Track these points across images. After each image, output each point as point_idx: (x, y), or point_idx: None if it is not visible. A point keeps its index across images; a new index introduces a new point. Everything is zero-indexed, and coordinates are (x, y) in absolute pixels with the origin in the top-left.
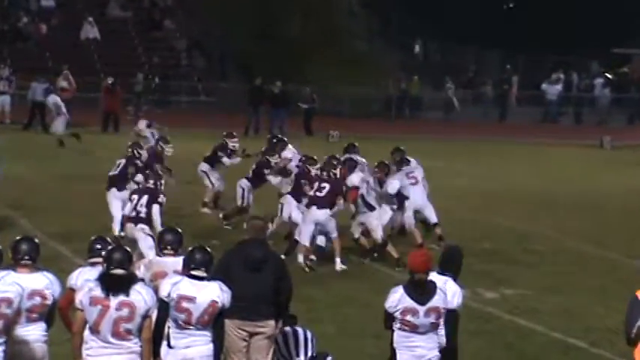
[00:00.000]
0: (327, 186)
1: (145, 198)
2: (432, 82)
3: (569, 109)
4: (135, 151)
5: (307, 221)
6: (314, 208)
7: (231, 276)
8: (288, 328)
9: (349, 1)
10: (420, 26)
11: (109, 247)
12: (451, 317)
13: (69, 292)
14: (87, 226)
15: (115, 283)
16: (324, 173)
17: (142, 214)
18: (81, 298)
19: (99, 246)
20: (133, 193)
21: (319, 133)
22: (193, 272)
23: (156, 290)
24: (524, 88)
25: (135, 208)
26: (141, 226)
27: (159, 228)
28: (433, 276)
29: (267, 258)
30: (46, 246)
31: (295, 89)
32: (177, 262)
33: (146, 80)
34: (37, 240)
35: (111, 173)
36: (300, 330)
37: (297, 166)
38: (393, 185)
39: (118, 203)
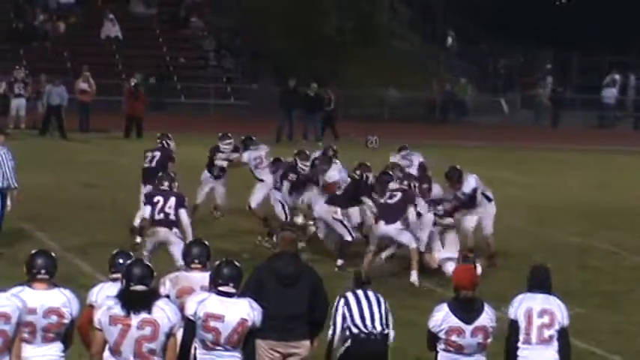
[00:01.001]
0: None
1: (173, 200)
2: (479, 83)
3: (626, 114)
4: (164, 142)
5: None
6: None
7: (263, 293)
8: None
9: None
10: (467, 25)
11: (129, 262)
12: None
13: (89, 310)
14: (108, 239)
15: (135, 300)
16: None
17: (172, 217)
18: (100, 317)
19: (121, 260)
20: (153, 195)
21: (354, 138)
22: (221, 288)
23: (182, 308)
24: (579, 90)
25: (163, 210)
26: (175, 230)
27: (190, 236)
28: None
29: (301, 272)
30: (64, 260)
31: (332, 92)
32: (205, 277)
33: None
34: (54, 254)
35: (145, 166)
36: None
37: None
38: (469, 184)
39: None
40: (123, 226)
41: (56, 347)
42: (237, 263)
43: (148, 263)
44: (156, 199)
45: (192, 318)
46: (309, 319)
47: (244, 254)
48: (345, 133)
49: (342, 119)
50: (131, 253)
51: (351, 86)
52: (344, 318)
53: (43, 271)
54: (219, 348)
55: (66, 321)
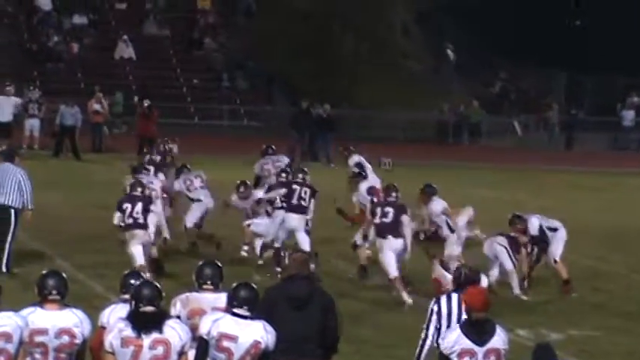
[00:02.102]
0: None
1: (140, 206)
2: (493, 106)
3: None
4: (165, 146)
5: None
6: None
7: (275, 315)
8: None
9: (403, 19)
10: (480, 47)
11: (138, 283)
12: None
13: (100, 331)
14: (121, 260)
15: (145, 321)
16: None
17: (140, 221)
18: (111, 340)
19: (132, 281)
20: (122, 201)
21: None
22: (236, 310)
23: (192, 329)
24: (593, 112)
25: (131, 215)
26: (147, 231)
27: (166, 232)
28: None
29: (313, 295)
30: (77, 281)
31: (346, 113)
32: (217, 298)
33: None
34: (65, 274)
35: None
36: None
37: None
38: (533, 225)
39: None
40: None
41: None
42: (254, 286)
43: (156, 284)
44: (124, 205)
45: (205, 337)
46: (321, 341)
47: (256, 276)
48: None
49: (355, 140)
50: (142, 274)
51: (365, 107)
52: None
53: (54, 292)
54: None
55: (78, 341)
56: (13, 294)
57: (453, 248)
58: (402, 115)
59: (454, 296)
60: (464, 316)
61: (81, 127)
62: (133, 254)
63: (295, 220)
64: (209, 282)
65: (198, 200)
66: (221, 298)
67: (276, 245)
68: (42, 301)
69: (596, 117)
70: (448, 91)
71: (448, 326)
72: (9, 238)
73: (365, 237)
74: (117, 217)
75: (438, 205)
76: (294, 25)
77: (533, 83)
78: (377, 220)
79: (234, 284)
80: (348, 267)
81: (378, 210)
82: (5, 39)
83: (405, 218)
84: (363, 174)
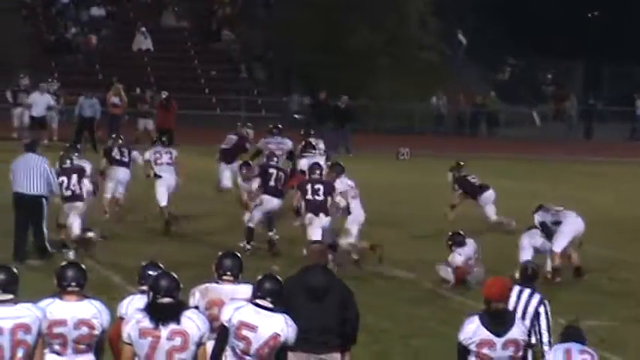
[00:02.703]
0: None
1: (75, 177)
2: (510, 95)
3: None
4: (246, 131)
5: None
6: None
7: (293, 305)
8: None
9: (419, 9)
10: (497, 36)
11: (155, 274)
12: None
13: (119, 322)
14: (139, 251)
15: (163, 312)
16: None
17: (77, 192)
18: (129, 331)
19: (150, 272)
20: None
21: (388, 152)
22: (259, 301)
23: (211, 319)
24: (611, 102)
25: (69, 188)
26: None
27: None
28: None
29: (331, 285)
30: (95, 272)
31: (364, 104)
32: (236, 289)
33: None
34: (84, 266)
35: (223, 146)
36: None
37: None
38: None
39: (227, 173)
40: (154, 238)
41: (88, 359)
42: (279, 278)
43: (174, 275)
44: (60, 179)
45: (226, 324)
46: (340, 331)
47: (274, 266)
48: (377, 145)
49: (372, 132)
50: (160, 265)
51: (382, 98)
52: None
53: (73, 283)
54: (248, 358)
55: (97, 332)
56: (31, 285)
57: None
58: (418, 105)
59: (525, 291)
60: (529, 312)
61: (99, 118)
62: (71, 225)
63: (273, 203)
64: (229, 273)
65: (159, 177)
66: (240, 290)
67: (250, 225)
68: (61, 292)
69: (615, 107)
70: (465, 82)
71: None
72: (44, 226)
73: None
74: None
75: (341, 184)
76: (312, 17)
77: (551, 73)
78: (309, 197)
79: (260, 276)
80: (370, 259)
81: (309, 187)
82: (24, 31)
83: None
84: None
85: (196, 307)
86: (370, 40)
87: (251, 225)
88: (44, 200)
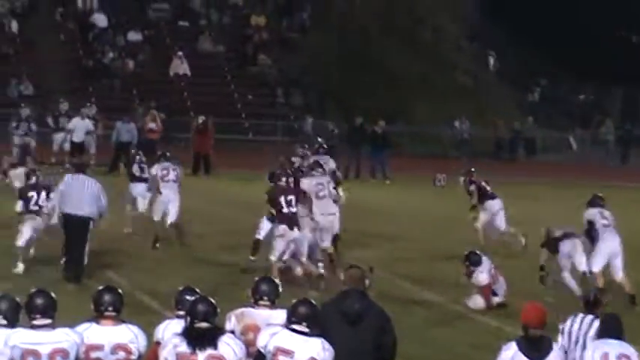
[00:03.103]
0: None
1: (43, 194)
2: (547, 120)
3: None
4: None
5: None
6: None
7: (329, 330)
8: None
9: (456, 34)
10: (534, 60)
11: (193, 299)
12: None
13: (155, 347)
14: (176, 276)
15: (201, 337)
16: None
17: (44, 209)
18: (166, 355)
19: (187, 297)
20: (27, 190)
21: (423, 177)
22: (294, 326)
23: (246, 344)
24: None
25: (37, 203)
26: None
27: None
28: (614, 343)
29: (367, 310)
30: (132, 297)
31: (401, 129)
32: (272, 315)
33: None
34: (121, 290)
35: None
36: None
37: None
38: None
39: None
40: (191, 263)
41: None
42: (313, 302)
43: (211, 300)
44: (29, 193)
45: (262, 350)
46: (376, 357)
47: (312, 291)
48: (414, 170)
49: (408, 156)
50: (197, 290)
51: (418, 123)
52: None
53: (110, 308)
54: None
55: (133, 357)
56: (69, 309)
57: None
58: (456, 130)
59: (587, 318)
60: (590, 337)
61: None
62: (22, 233)
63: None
64: (265, 298)
65: (160, 193)
66: (276, 315)
67: (258, 237)
68: (98, 316)
69: None
70: (503, 107)
71: (575, 345)
72: (86, 248)
73: None
74: (20, 205)
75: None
76: (348, 41)
77: (589, 98)
78: (285, 210)
79: (294, 300)
80: (402, 283)
81: (282, 199)
82: (61, 56)
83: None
84: None
85: (232, 332)
86: (407, 63)
87: (258, 237)
88: (91, 222)
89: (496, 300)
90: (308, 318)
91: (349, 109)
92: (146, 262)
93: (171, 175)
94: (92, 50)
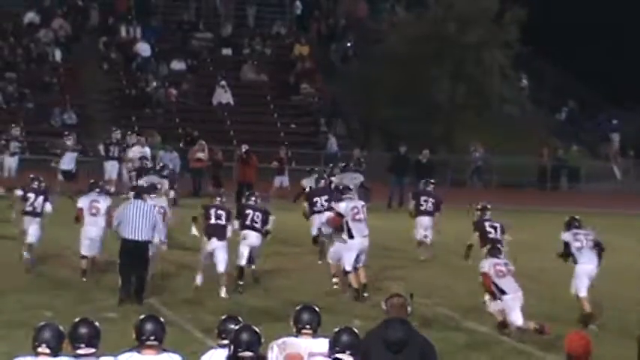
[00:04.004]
0: None
1: (41, 198)
2: (592, 150)
3: None
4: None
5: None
6: None
7: (372, 358)
8: None
9: (500, 63)
10: (578, 89)
11: (237, 328)
12: None
13: None
14: (218, 305)
15: None
16: None
17: (38, 210)
18: None
19: (231, 326)
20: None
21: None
22: (338, 356)
23: None
24: None
25: (32, 205)
26: (38, 219)
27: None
28: None
29: (410, 339)
30: (175, 326)
31: (444, 158)
32: (314, 344)
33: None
34: (162, 319)
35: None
36: None
37: None
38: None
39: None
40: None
41: None
42: (355, 330)
43: (256, 329)
44: (29, 195)
45: None
46: None
47: (356, 320)
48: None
49: (450, 186)
50: (240, 319)
51: (462, 152)
52: None
53: (152, 337)
54: None
55: None
56: (111, 339)
57: None
58: (499, 159)
59: None
60: None
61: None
62: (27, 232)
63: (253, 237)
64: (307, 327)
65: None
66: (319, 344)
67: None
68: (139, 345)
69: None
70: (546, 135)
71: None
72: (147, 272)
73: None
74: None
75: None
76: (391, 70)
77: (633, 127)
78: (212, 221)
79: (336, 329)
80: (443, 310)
81: (212, 212)
82: (104, 85)
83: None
84: None
85: None
86: (450, 92)
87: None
88: (150, 246)
89: (509, 313)
90: (351, 346)
91: (392, 137)
92: (187, 290)
93: (361, 214)
94: (135, 79)
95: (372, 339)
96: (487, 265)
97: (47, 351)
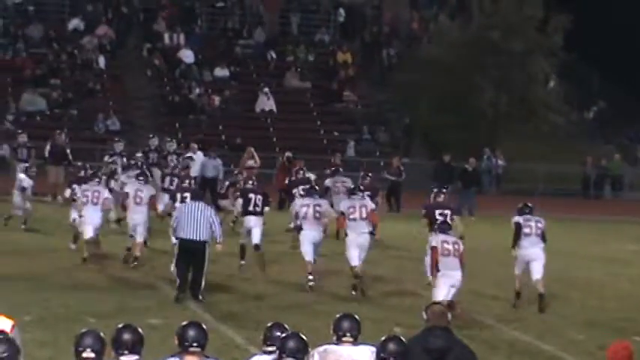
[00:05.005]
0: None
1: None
2: (635, 158)
3: None
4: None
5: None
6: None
7: None
8: None
9: (545, 71)
10: (625, 99)
11: (286, 334)
12: None
13: None
14: (259, 311)
15: None
16: None
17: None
18: None
19: (277, 333)
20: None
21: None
22: None
23: None
24: None
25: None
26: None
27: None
28: None
29: (451, 347)
30: (218, 332)
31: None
32: (355, 351)
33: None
34: (205, 326)
35: None
36: None
37: None
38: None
39: None
40: (277, 297)
41: None
42: (402, 339)
43: (303, 337)
44: (73, 185)
45: None
46: None
47: (396, 328)
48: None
49: (495, 194)
50: (286, 326)
51: (506, 160)
52: None
53: (194, 344)
54: None
55: None
56: (153, 345)
57: None
58: (543, 167)
59: None
60: None
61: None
62: (82, 227)
63: (252, 221)
64: (348, 334)
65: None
66: (359, 351)
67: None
68: (182, 352)
69: None
70: (590, 144)
71: None
72: (205, 270)
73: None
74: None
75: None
76: (434, 78)
77: None
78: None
79: (383, 337)
80: (485, 319)
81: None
82: (148, 91)
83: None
84: None
85: None
86: (494, 100)
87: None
88: (207, 246)
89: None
90: (398, 354)
91: (435, 145)
92: (230, 295)
93: (310, 211)
94: (179, 86)
95: (413, 347)
96: (435, 240)
97: (92, 355)
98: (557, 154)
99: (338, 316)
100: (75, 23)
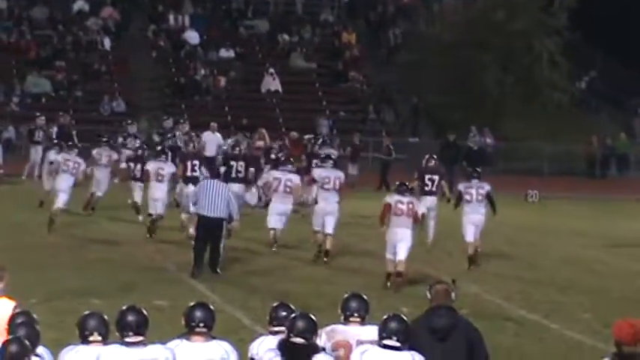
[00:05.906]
0: None
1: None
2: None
3: None
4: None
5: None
6: None
7: (418, 347)
8: None
9: (550, 49)
10: (629, 77)
11: (293, 314)
12: None
13: None
14: (268, 292)
15: (295, 352)
16: None
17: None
18: None
19: (284, 313)
20: None
21: (516, 193)
22: (386, 342)
23: None
24: None
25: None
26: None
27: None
28: None
29: (455, 325)
30: (224, 313)
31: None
32: (363, 331)
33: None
34: (212, 307)
35: None
36: None
37: None
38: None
39: None
40: (284, 279)
41: None
42: (404, 317)
43: (312, 317)
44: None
45: None
46: None
47: (403, 308)
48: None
49: (501, 173)
50: (292, 307)
51: (511, 140)
52: None
53: (201, 324)
54: None
55: None
56: (159, 326)
57: None
58: (548, 147)
59: None
60: None
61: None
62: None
63: (235, 187)
64: (356, 314)
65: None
66: (367, 331)
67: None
68: (189, 333)
69: None
70: (595, 123)
71: None
72: (222, 244)
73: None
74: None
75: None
76: (439, 57)
77: None
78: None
79: (385, 316)
80: (493, 298)
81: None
82: (153, 73)
83: None
84: None
85: (323, 349)
86: (498, 79)
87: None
88: (224, 223)
89: None
90: (399, 332)
91: (440, 124)
92: (237, 277)
93: (281, 185)
94: (184, 67)
95: (418, 327)
96: (390, 199)
97: (99, 338)
98: (562, 134)
99: (346, 295)
100: (80, 5)
